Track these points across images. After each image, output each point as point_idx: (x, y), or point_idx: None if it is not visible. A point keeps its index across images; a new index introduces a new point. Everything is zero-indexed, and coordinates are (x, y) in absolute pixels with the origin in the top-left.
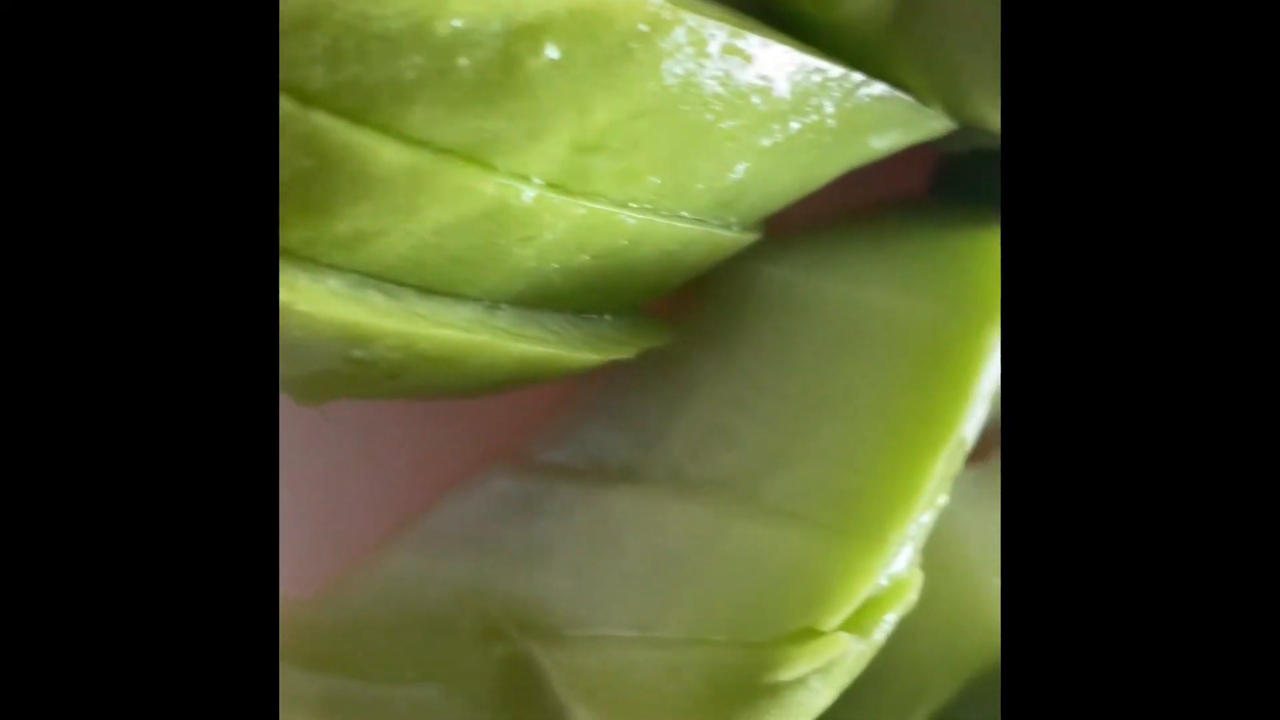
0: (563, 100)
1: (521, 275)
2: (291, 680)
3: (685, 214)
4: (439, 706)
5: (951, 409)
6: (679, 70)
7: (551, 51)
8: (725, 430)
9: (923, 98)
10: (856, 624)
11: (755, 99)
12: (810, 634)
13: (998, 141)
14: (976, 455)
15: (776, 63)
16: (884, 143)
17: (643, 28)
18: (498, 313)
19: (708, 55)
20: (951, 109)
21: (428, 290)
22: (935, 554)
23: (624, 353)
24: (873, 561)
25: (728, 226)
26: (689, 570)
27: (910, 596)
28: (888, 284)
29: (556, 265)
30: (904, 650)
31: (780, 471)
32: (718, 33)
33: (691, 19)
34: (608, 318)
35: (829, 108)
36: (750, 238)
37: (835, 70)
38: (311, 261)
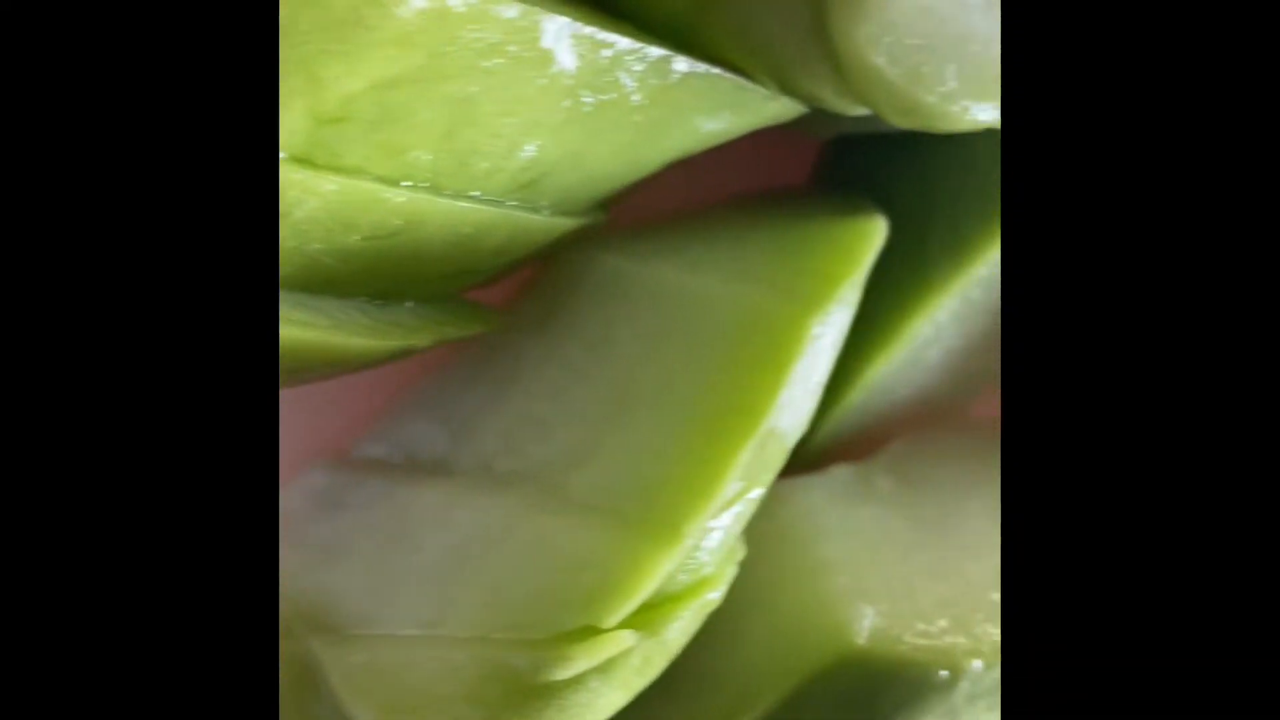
0: (290, 68)
1: (283, 256)
2: None
3: (476, 194)
4: None
5: (760, 399)
6: (425, 38)
7: None
8: (539, 421)
9: (753, 77)
10: (644, 621)
11: (529, 72)
12: (589, 632)
13: (872, 126)
14: (854, 453)
15: (548, 32)
16: (716, 125)
17: None
18: None
19: (457, 22)
20: (788, 90)
21: None
22: (783, 552)
23: (419, 340)
24: (661, 556)
25: (535, 210)
26: (479, 566)
27: (711, 595)
28: (718, 271)
29: (319, 246)
30: (740, 649)
31: (587, 464)
32: None
33: None
34: (409, 304)
35: (629, 83)
36: (571, 223)
37: (624, 43)
38: None
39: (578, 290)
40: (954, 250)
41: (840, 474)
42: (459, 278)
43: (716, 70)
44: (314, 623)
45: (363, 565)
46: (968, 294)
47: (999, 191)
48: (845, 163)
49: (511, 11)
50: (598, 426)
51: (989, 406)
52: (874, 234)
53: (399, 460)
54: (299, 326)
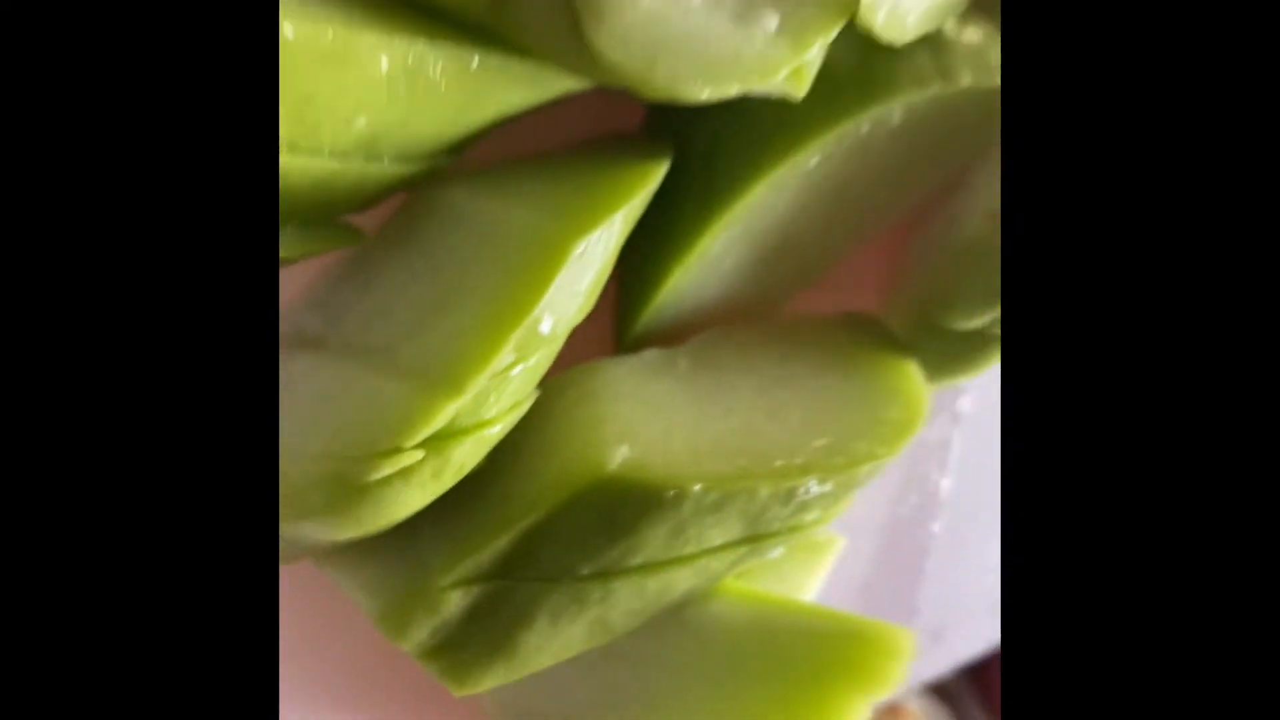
0: None
1: None
2: None
3: (325, 152)
4: None
5: (528, 297)
6: None
7: None
8: (386, 311)
9: (543, 62)
10: (433, 446)
11: (351, 73)
12: (394, 450)
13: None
14: (673, 342)
15: (360, 46)
16: (520, 97)
17: None
18: None
19: (291, 47)
20: (570, 71)
21: None
22: (576, 406)
23: (295, 253)
24: (447, 402)
25: (378, 160)
26: (331, 408)
27: (490, 431)
28: (518, 200)
29: None
30: (522, 472)
31: (412, 340)
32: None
33: None
34: (289, 228)
35: (434, 73)
36: (410, 169)
37: (422, 46)
38: None
39: (425, 215)
40: (730, 183)
41: (649, 355)
42: (329, 208)
43: (510, 58)
44: None
45: None
46: (749, 218)
47: (765, 138)
48: (660, 115)
49: (328, 35)
50: (423, 314)
51: (804, 304)
52: (649, 174)
53: (292, 334)
54: None
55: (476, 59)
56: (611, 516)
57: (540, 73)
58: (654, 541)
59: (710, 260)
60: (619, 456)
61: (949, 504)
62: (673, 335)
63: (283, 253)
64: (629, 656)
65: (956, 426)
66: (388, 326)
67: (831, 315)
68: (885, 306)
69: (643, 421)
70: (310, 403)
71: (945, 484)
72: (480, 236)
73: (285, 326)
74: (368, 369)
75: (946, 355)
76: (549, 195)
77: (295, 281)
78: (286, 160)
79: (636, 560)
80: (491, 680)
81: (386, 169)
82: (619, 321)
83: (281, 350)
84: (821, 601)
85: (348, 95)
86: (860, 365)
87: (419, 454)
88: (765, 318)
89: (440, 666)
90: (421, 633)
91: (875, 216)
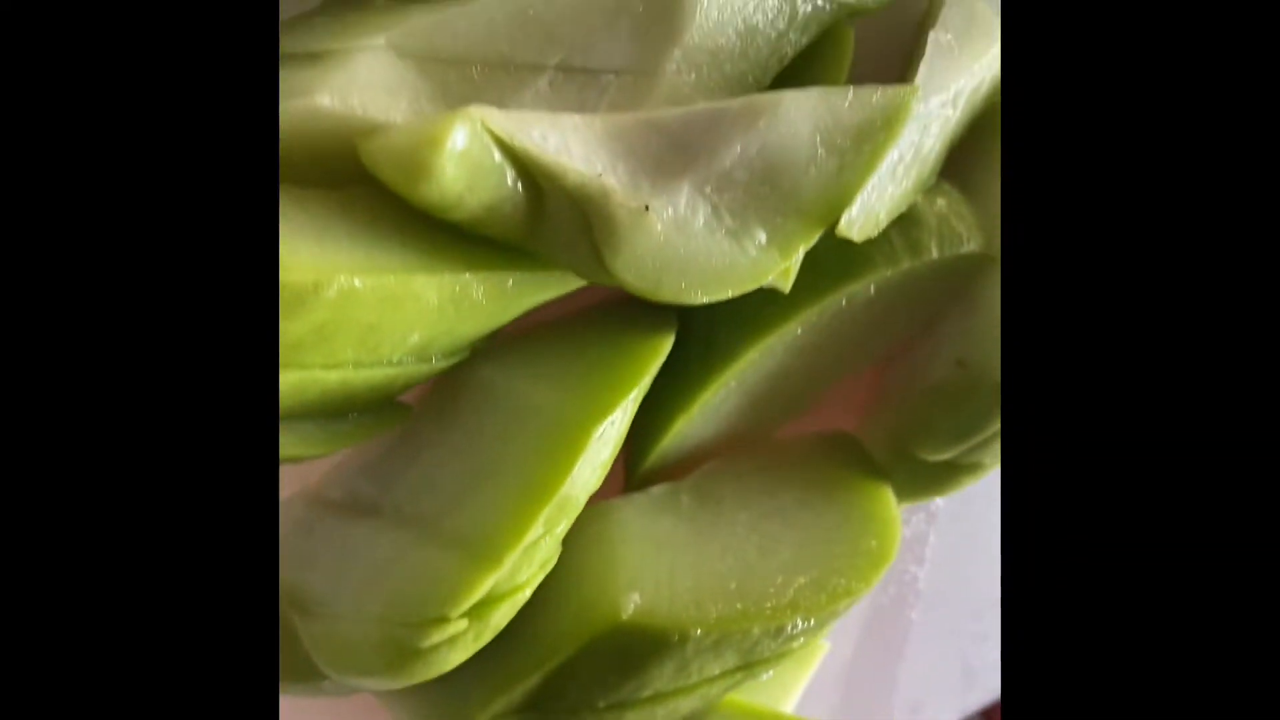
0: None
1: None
2: None
3: (385, 363)
4: None
5: (555, 477)
6: (341, 302)
7: None
8: (431, 482)
9: (563, 269)
10: (476, 613)
11: (408, 306)
12: (442, 619)
13: None
14: (678, 473)
15: (415, 285)
16: (549, 294)
17: None
18: None
19: (358, 296)
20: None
21: None
22: (591, 552)
23: (360, 438)
24: (488, 575)
25: (426, 361)
26: (386, 575)
27: (521, 596)
28: (545, 380)
29: (293, 403)
30: (545, 619)
31: (454, 513)
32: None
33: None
34: (351, 416)
35: (477, 294)
36: (452, 361)
37: (467, 277)
38: None
39: (461, 391)
40: (728, 349)
41: (657, 492)
42: (387, 397)
43: (539, 270)
44: (295, 603)
45: (323, 571)
46: (743, 374)
47: (756, 314)
48: None
49: (390, 281)
50: (463, 487)
51: (794, 429)
52: (658, 350)
53: (347, 501)
54: (285, 446)
55: (511, 280)
56: (624, 658)
57: (565, 280)
58: (661, 677)
59: (709, 408)
60: (631, 605)
61: (926, 592)
62: (676, 468)
63: (351, 438)
64: None
65: (932, 524)
66: (434, 498)
67: (815, 437)
68: (863, 431)
69: (650, 566)
70: (370, 569)
71: (922, 575)
72: (510, 414)
73: (342, 491)
74: (419, 538)
75: (920, 479)
76: (570, 375)
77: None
78: (352, 375)
79: (646, 693)
80: None
81: (435, 365)
82: (629, 461)
83: (341, 516)
84: (809, 680)
85: (405, 322)
86: (840, 492)
87: (464, 623)
88: (758, 443)
89: None
90: None
91: (854, 361)
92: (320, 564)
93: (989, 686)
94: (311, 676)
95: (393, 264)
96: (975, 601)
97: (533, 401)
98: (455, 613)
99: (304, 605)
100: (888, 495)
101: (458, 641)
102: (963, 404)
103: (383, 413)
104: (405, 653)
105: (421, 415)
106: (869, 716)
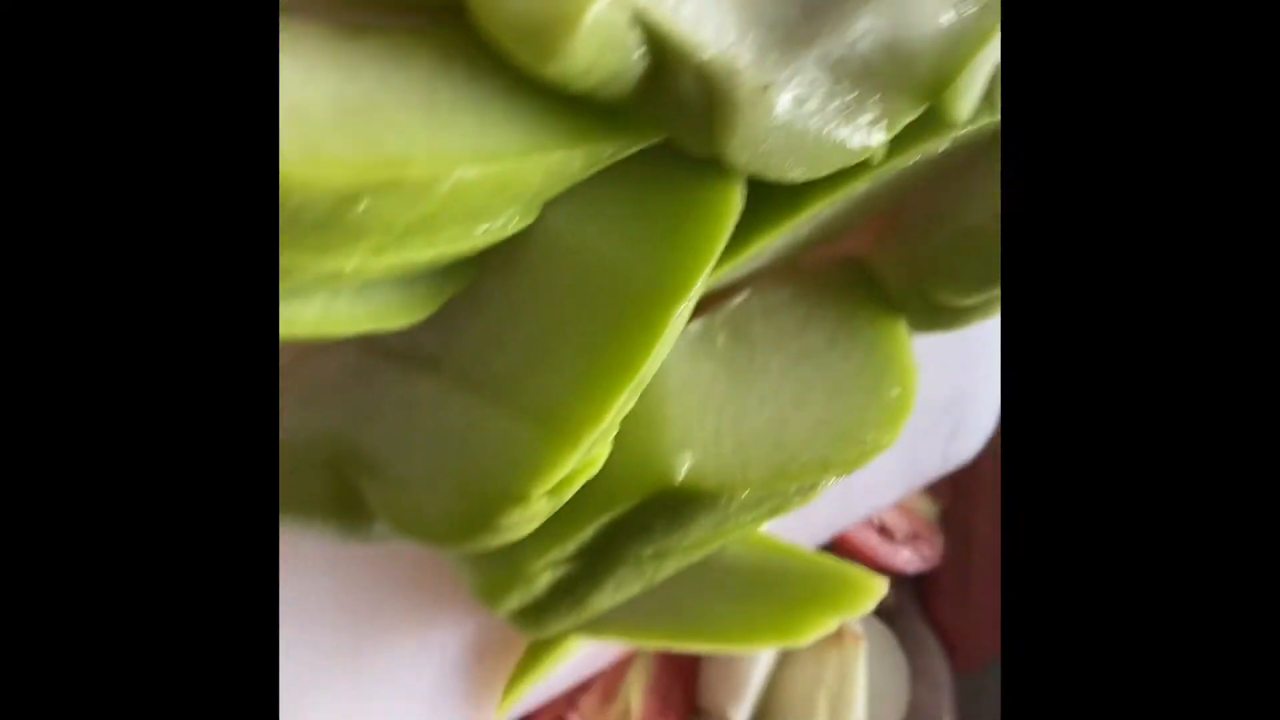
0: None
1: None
2: None
3: (471, 237)
4: (297, 516)
5: (638, 356)
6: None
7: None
8: (497, 339)
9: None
10: (554, 491)
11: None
12: (522, 497)
13: None
14: (706, 307)
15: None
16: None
17: None
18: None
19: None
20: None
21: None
22: (638, 407)
23: (432, 308)
24: (570, 454)
25: (504, 227)
26: (455, 446)
27: (594, 469)
28: (617, 234)
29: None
30: (597, 480)
31: (525, 380)
32: None
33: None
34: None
35: (576, 168)
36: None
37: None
38: None
39: (527, 240)
40: (790, 202)
41: (693, 330)
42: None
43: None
44: (358, 464)
45: (386, 428)
46: (796, 222)
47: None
48: None
49: (506, 166)
50: (536, 353)
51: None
52: (733, 210)
53: (406, 351)
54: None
55: (611, 150)
56: (672, 515)
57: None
58: (703, 529)
59: (753, 254)
60: (683, 467)
61: None
62: (706, 298)
63: (426, 305)
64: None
65: None
66: (503, 359)
67: (837, 266)
68: (878, 259)
69: (696, 424)
70: (440, 435)
71: None
72: (583, 273)
73: (399, 338)
74: (491, 406)
75: (930, 315)
76: (648, 234)
77: None
78: (443, 250)
79: (687, 542)
80: (558, 629)
81: (513, 227)
82: None
83: (401, 368)
84: None
85: (506, 201)
86: (864, 330)
87: (544, 502)
88: (786, 272)
89: (522, 622)
90: (513, 602)
91: (894, 201)
92: (383, 421)
93: None
94: (363, 527)
95: (507, 146)
96: None
97: (607, 260)
98: (537, 492)
99: (369, 465)
100: (905, 336)
101: (534, 519)
102: (993, 255)
103: (453, 272)
104: (481, 526)
105: (485, 265)
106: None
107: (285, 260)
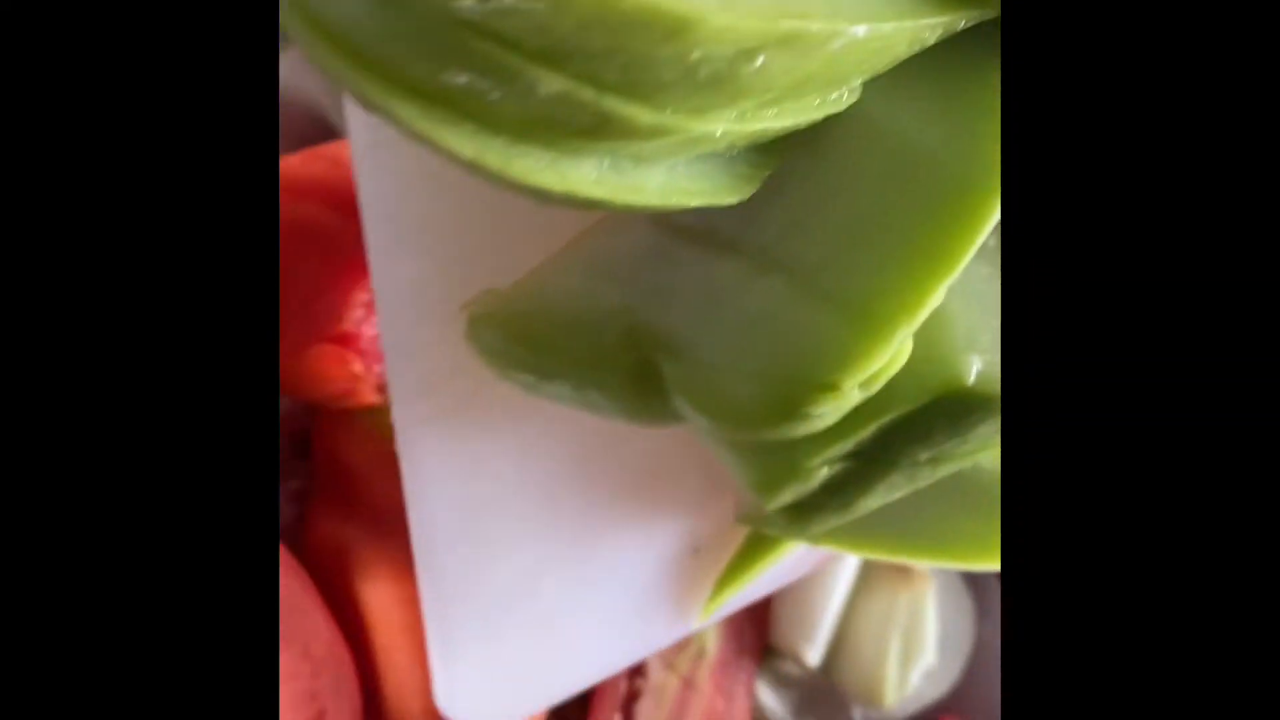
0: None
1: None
2: (488, 339)
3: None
4: (586, 391)
5: (956, 255)
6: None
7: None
8: (802, 224)
9: None
10: (866, 384)
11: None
12: (834, 387)
13: None
14: None
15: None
16: None
17: None
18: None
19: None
20: None
21: None
22: None
23: (754, 187)
24: (885, 347)
25: (838, 101)
26: (763, 330)
27: (900, 362)
28: (934, 120)
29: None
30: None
31: (832, 267)
32: None
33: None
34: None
35: (930, 38)
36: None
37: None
38: None
39: (838, 124)
40: None
41: None
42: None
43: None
44: (655, 343)
45: (686, 310)
46: None
47: None
48: None
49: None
50: (845, 240)
51: None
52: None
53: (703, 231)
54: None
55: (965, 21)
56: (956, 419)
57: None
58: (982, 437)
59: None
60: (974, 371)
61: None
62: None
63: (734, 192)
64: None
65: None
66: (808, 245)
67: None
68: None
69: (981, 327)
70: (744, 318)
71: None
72: (898, 159)
73: (694, 216)
74: (797, 291)
75: None
76: (965, 121)
77: None
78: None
79: (964, 449)
80: (821, 528)
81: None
82: None
83: (698, 247)
84: None
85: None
86: None
87: (857, 394)
88: None
89: (787, 519)
90: (787, 496)
91: None
92: (681, 302)
93: None
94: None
95: (887, 9)
96: None
97: (925, 147)
98: (850, 383)
99: (669, 346)
100: None
101: (842, 409)
102: None
103: (771, 150)
104: (792, 413)
105: (790, 141)
106: None
107: (667, 121)
